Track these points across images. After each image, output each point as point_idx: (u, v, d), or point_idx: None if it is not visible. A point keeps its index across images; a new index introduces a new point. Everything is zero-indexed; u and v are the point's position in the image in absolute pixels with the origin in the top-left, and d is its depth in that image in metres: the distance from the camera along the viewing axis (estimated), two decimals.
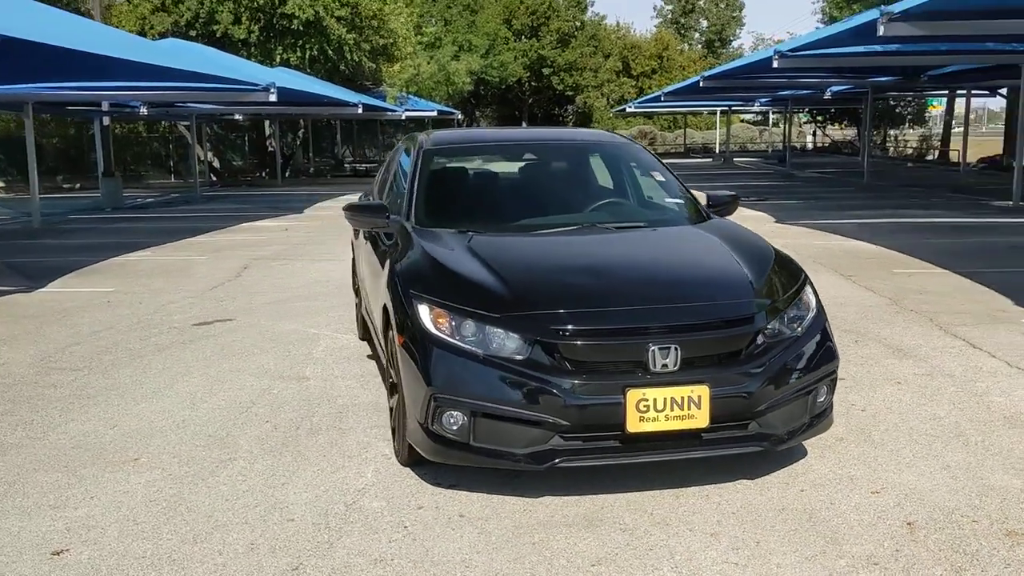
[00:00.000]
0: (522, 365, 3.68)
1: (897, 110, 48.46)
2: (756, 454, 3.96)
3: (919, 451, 4.42)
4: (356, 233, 6.57)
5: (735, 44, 68.45)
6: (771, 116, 50.56)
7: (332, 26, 28.48)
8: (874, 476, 4.11)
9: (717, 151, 48.55)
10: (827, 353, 4.03)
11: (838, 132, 53.77)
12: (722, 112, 47.87)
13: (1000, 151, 35.05)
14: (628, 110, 46.10)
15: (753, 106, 43.84)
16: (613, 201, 5.42)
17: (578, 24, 56.74)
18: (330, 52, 29.22)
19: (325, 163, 39.45)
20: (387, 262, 4.68)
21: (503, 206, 5.21)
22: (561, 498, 3.91)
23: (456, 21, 48.37)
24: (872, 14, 14.18)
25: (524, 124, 57.26)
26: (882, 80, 25.84)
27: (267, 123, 33.86)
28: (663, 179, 5.50)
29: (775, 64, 17.34)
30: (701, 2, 68.59)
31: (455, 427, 3.76)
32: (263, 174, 34.18)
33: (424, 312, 3.92)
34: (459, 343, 3.79)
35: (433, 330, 3.86)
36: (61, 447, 4.75)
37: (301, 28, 28.25)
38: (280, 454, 4.57)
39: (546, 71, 55.10)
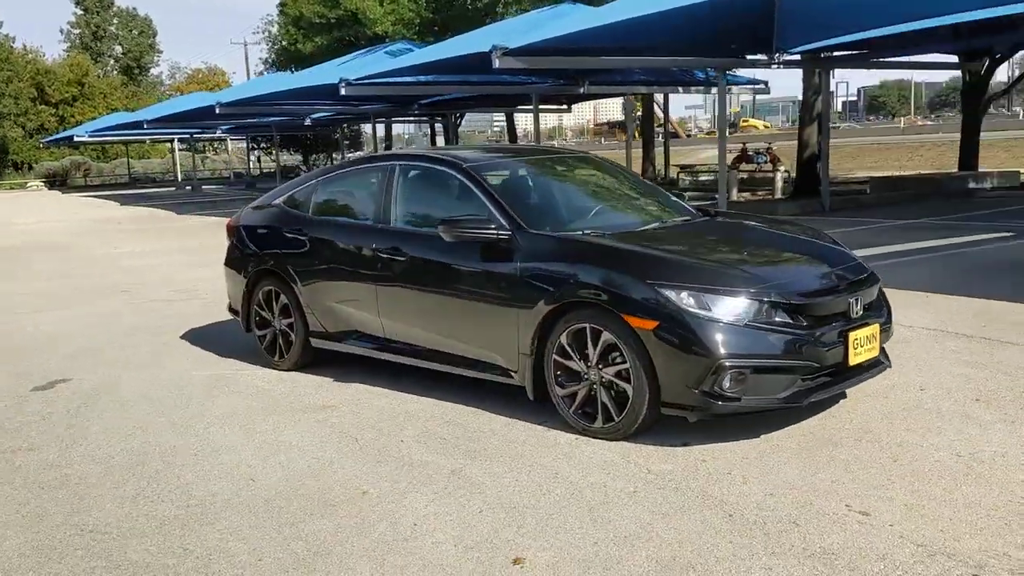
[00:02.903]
0: (779, 326, 4.64)
1: (335, 136, 52.25)
2: None
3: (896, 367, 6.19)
4: (293, 270, 6.53)
5: (154, 72, 66.90)
6: (229, 144, 50.73)
7: None
8: (904, 381, 5.76)
9: (179, 179, 47.09)
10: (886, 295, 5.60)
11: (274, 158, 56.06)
12: (179, 139, 46.83)
13: None
14: (79, 138, 42.75)
15: (214, 133, 43.76)
16: (648, 201, 6.32)
17: None
18: None
19: None
20: (528, 264, 5.11)
21: (573, 210, 5.85)
22: (776, 433, 4.90)
23: None
24: (435, 51, 16.26)
25: None
26: (378, 107, 28.31)
27: None
28: (648, 184, 6.59)
29: (342, 91, 18.49)
30: (113, 27, 65.66)
31: (729, 385, 4.56)
32: None
33: (676, 296, 4.62)
34: (722, 318, 4.59)
35: (695, 310, 4.59)
36: (254, 506, 4.34)
37: None
38: (485, 459, 4.76)
39: None
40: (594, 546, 3.71)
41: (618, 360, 4.81)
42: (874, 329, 4.95)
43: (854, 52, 18.77)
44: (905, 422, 5.01)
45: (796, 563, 3.48)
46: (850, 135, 51.16)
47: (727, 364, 4.50)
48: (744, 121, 77.47)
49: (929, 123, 68.72)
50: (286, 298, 6.64)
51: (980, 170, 23.15)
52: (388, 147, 48.35)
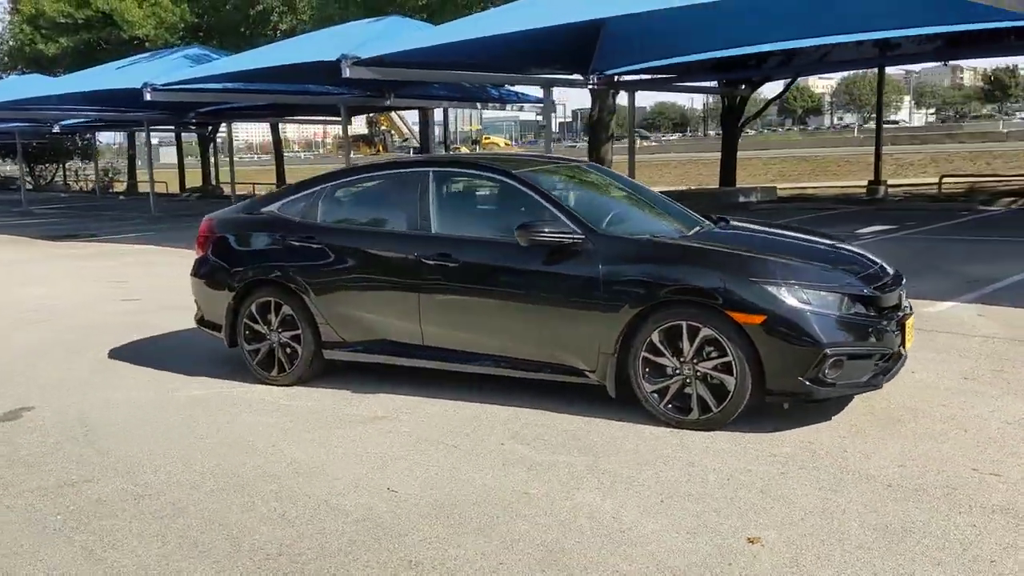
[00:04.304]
0: (863, 318, 5.18)
1: (67, 145, 48.47)
2: None
3: None
4: (304, 280, 6.29)
5: None
6: None
7: None
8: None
9: None
10: None
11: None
12: None
13: (201, 182, 38.87)
14: None
15: None
16: (667, 208, 6.60)
17: None
18: None
19: None
20: (611, 266, 5.34)
21: (617, 215, 6.08)
22: (842, 415, 5.44)
23: None
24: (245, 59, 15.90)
25: None
26: (151, 114, 26.70)
27: None
28: (654, 192, 6.96)
29: (148, 97, 17.45)
30: None
31: (829, 371, 5.03)
32: None
33: (778, 292, 5.04)
34: (820, 310, 5.06)
35: (798, 305, 5.03)
36: (428, 515, 4.26)
37: None
38: (605, 455, 4.93)
39: None
40: (803, 521, 4.02)
41: (713, 354, 5.14)
42: (912, 319, 5.62)
43: (651, 77, 20.36)
44: (934, 399, 5.72)
45: (987, 519, 3.98)
46: (583, 153, 54.43)
47: (829, 352, 4.97)
48: (486, 138, 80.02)
49: (654, 143, 74.33)
50: (290, 309, 6.36)
51: (742, 185, 25.69)
52: (132, 156, 45.41)
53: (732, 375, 5.08)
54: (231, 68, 16.86)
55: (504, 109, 26.25)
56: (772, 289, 5.03)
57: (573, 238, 5.47)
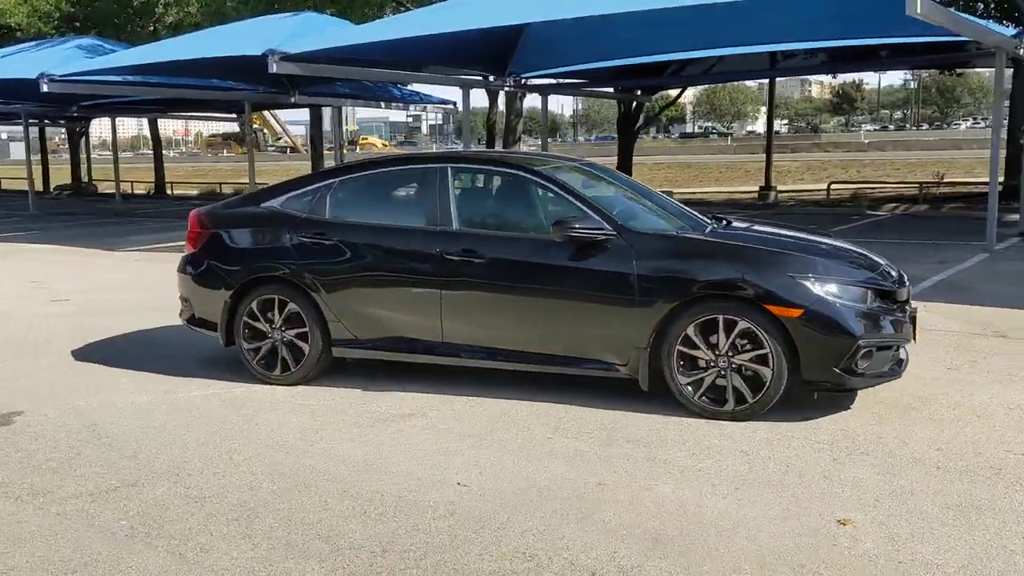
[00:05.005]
0: (884, 310, 5.46)
1: None
2: None
3: None
4: (314, 277, 6.16)
5: None
6: None
7: None
8: None
9: None
10: None
11: None
12: None
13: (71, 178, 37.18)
14: None
15: None
16: (670, 205, 6.71)
17: None
18: None
19: None
20: (645, 261, 5.45)
21: (631, 212, 6.16)
22: (859, 405, 5.71)
23: None
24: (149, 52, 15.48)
25: None
26: (32, 106, 25.38)
27: None
28: (650, 189, 7.09)
29: (45, 88, 16.59)
30: None
31: (860, 361, 5.28)
32: None
33: (813, 286, 5.25)
34: (851, 303, 5.31)
35: (832, 299, 5.26)
36: (517, 507, 4.27)
37: None
38: (657, 447, 5.03)
39: None
40: (877, 503, 4.22)
41: (748, 346, 5.31)
42: (918, 314, 5.95)
43: (558, 82, 20.78)
44: (932, 388, 6.06)
45: None
46: None
47: (862, 344, 5.22)
48: (363, 139, 79.12)
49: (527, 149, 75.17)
50: (296, 307, 6.21)
51: None
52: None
53: (768, 366, 5.26)
54: (140, 60, 16.15)
55: (407, 109, 26.12)
56: (807, 283, 5.24)
57: (606, 234, 5.55)
